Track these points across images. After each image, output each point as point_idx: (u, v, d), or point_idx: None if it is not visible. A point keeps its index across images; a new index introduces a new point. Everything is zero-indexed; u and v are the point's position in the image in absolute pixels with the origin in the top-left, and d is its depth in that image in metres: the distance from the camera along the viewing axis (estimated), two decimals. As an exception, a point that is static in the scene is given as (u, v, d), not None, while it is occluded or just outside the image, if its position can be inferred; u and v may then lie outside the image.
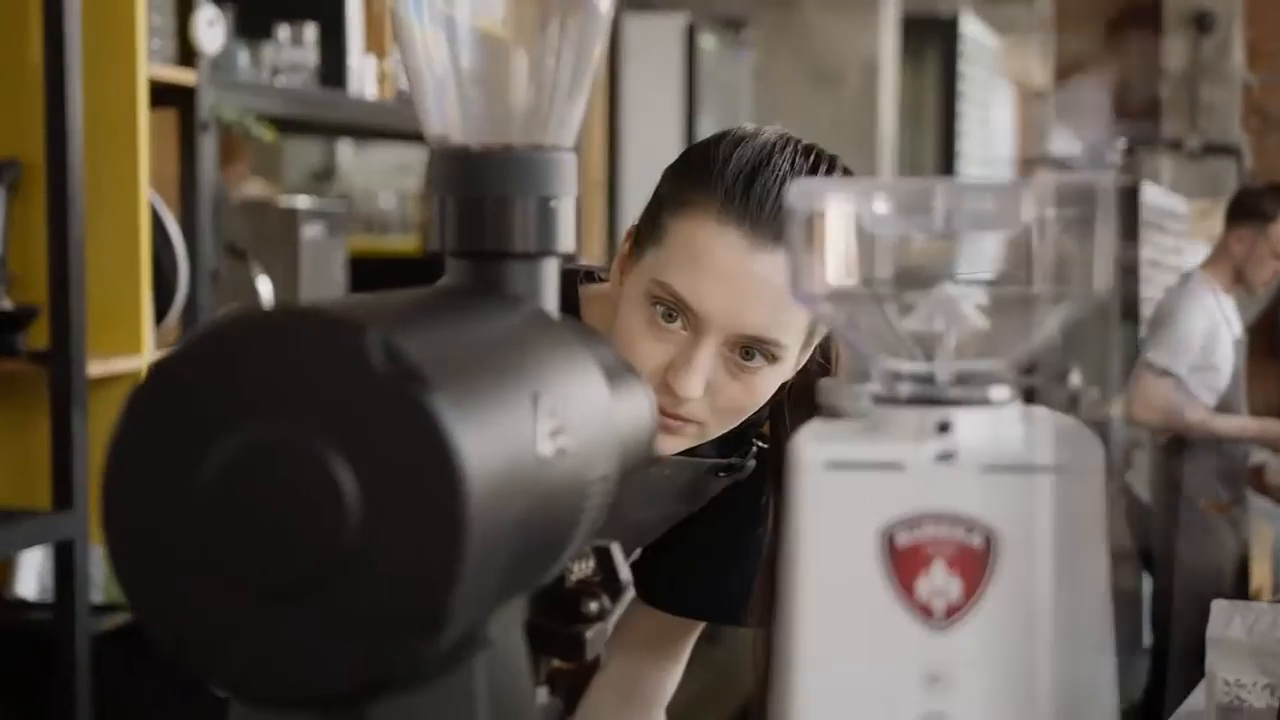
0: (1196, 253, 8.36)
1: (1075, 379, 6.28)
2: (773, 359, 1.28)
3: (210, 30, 2.66)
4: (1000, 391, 0.70)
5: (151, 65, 2.55)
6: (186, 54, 2.67)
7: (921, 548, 0.67)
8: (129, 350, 2.52)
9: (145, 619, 0.62)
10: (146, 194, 2.53)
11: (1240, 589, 4.36)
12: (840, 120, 5.62)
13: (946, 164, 7.50)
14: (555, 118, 0.81)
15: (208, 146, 2.70)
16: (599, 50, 0.82)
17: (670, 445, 1.31)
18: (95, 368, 2.43)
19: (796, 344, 1.30)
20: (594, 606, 0.87)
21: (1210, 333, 4.38)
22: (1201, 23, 8.85)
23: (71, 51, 2.35)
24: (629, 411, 0.83)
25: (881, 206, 0.69)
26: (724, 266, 1.25)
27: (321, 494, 0.60)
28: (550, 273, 0.80)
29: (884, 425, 0.70)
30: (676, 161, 1.34)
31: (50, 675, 2.42)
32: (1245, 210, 4.43)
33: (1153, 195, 7.24)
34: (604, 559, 0.88)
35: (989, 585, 0.67)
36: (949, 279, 0.71)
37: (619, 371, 0.84)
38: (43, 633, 2.48)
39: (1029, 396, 0.71)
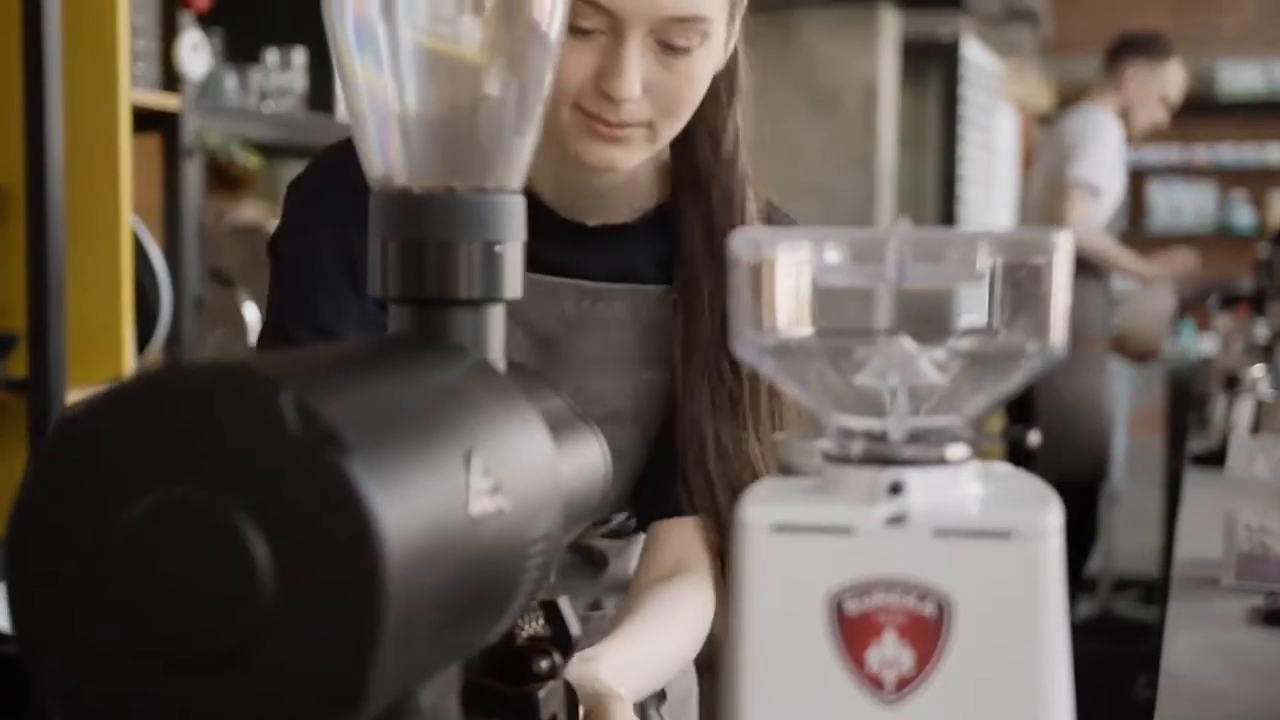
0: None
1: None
2: (702, 37, 1.23)
3: (195, 55, 2.63)
4: (957, 450, 0.67)
5: (135, 91, 2.53)
6: (171, 79, 2.65)
7: (871, 616, 0.64)
8: (110, 378, 2.49)
9: (46, 681, 0.59)
10: (129, 220, 2.50)
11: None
12: (839, 143, 5.59)
13: (947, 187, 7.47)
14: (500, 160, 0.78)
15: (192, 173, 2.67)
16: (545, 88, 0.79)
17: (623, 156, 1.26)
18: (75, 397, 2.40)
19: (721, 15, 1.25)
20: (545, 665, 0.84)
21: (1116, 155, 4.43)
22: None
23: (52, 76, 2.33)
24: (577, 463, 0.80)
25: (832, 256, 0.66)
26: None
27: (232, 560, 0.57)
28: (496, 320, 0.77)
29: (835, 485, 0.67)
30: None
31: (26, 708, 2.39)
32: (1140, 48, 4.49)
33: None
34: (553, 614, 0.85)
35: (942, 656, 0.64)
36: (902, 332, 0.68)
37: (567, 422, 0.81)
38: (17, 664, 2.45)
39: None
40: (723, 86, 1.32)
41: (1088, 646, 4.82)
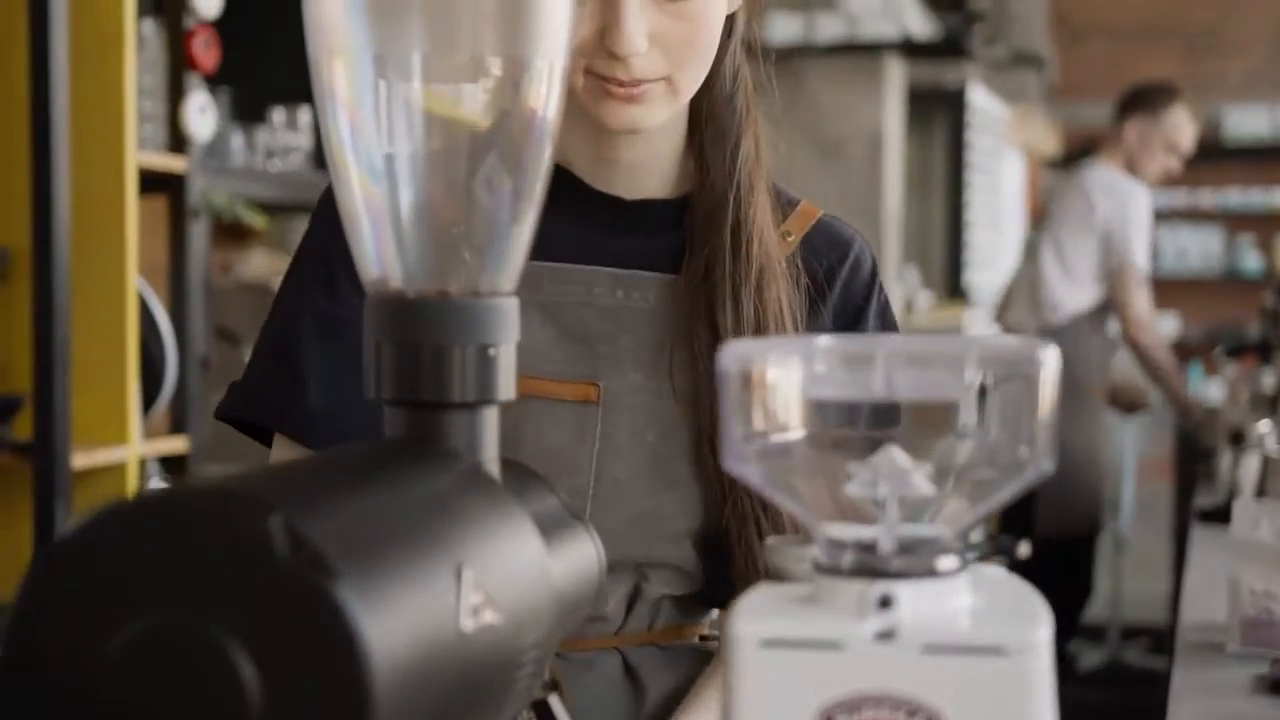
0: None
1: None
2: None
3: (202, 117, 2.65)
4: (947, 561, 0.67)
5: (142, 153, 2.54)
6: (178, 140, 2.66)
7: (861, 732, 0.64)
8: (115, 441, 2.50)
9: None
10: (134, 282, 2.51)
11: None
12: (846, 192, 5.61)
13: (954, 232, 7.48)
14: (494, 263, 0.78)
15: (198, 233, 2.69)
16: (539, 193, 0.80)
17: (645, 115, 1.20)
18: (80, 459, 2.40)
19: None
20: (539, 764, 0.84)
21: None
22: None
23: (59, 138, 2.34)
24: (569, 565, 0.80)
25: (820, 368, 0.67)
26: None
27: (221, 685, 0.57)
28: (490, 422, 0.78)
29: (825, 597, 0.67)
30: None
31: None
32: (1138, 100, 4.53)
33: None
34: (545, 715, 0.85)
35: (932, 772, 0.63)
36: (892, 442, 0.68)
37: (559, 521, 0.81)
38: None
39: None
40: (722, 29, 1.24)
41: (1096, 696, 4.81)
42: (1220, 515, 2.71)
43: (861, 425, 0.69)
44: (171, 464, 2.76)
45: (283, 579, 0.57)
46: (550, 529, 0.77)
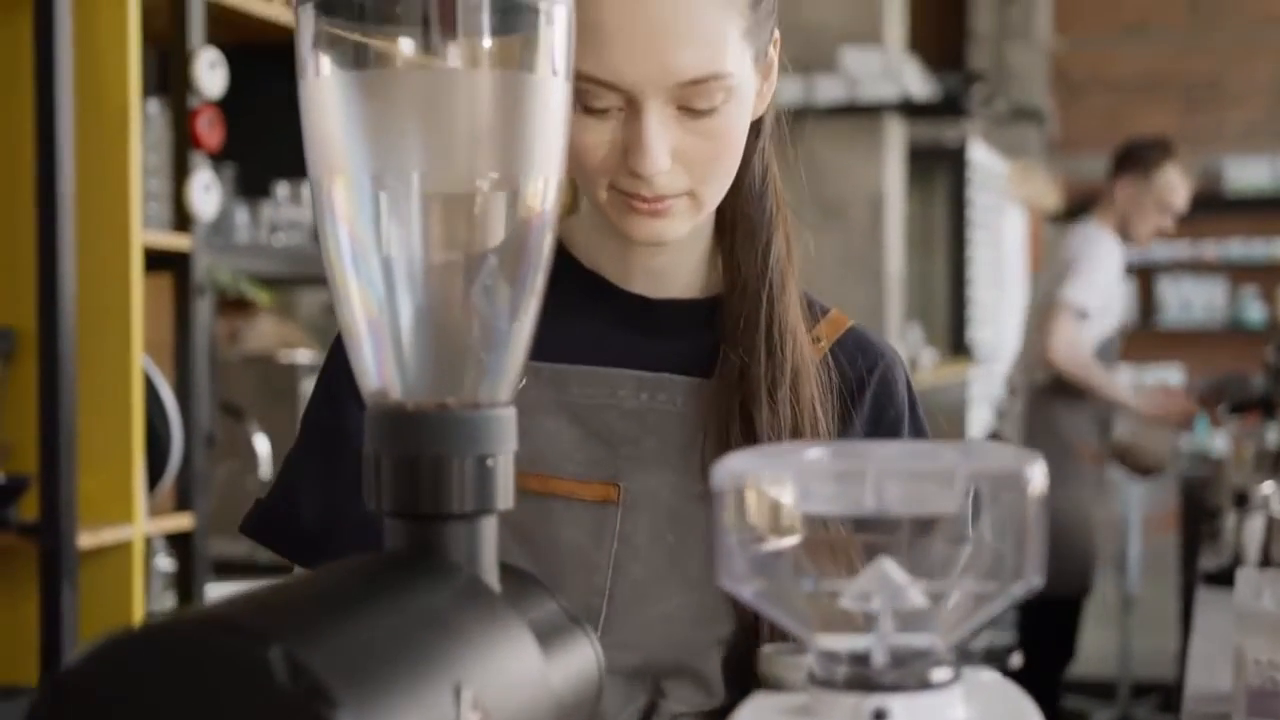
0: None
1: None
2: (726, 93, 1.15)
3: (206, 195, 2.67)
4: (941, 673, 0.68)
5: (147, 232, 2.56)
6: (183, 217, 2.68)
7: (857, 846, 0.64)
8: (121, 520, 2.51)
9: None
10: (140, 361, 2.52)
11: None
12: (848, 254, 5.63)
13: (957, 289, 7.50)
14: (492, 374, 0.80)
15: (203, 310, 2.70)
16: (535, 306, 0.81)
17: (669, 229, 1.19)
18: (86, 539, 2.41)
19: (743, 65, 1.17)
20: None
21: (1114, 278, 4.44)
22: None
23: (65, 217, 2.36)
24: (569, 671, 0.81)
25: (812, 483, 0.68)
26: (622, 23, 1.11)
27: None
28: (488, 531, 0.79)
29: (820, 709, 0.68)
30: None
31: None
32: (1129, 160, 4.53)
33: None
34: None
35: None
36: (886, 555, 0.69)
37: (559, 627, 0.82)
38: None
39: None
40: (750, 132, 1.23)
41: (1108, 754, 4.78)
42: (1225, 578, 2.71)
43: (856, 534, 0.70)
44: (177, 541, 2.76)
45: (284, 709, 0.58)
46: (549, 635, 0.78)
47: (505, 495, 0.79)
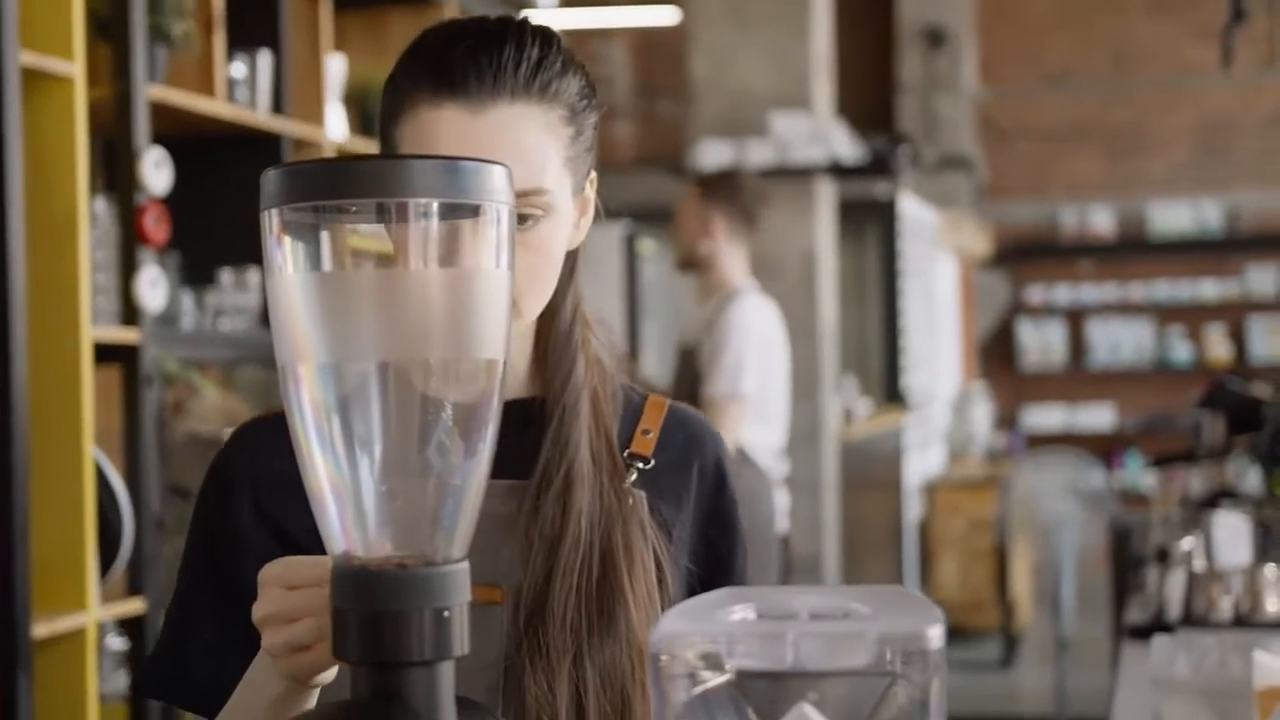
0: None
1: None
2: (546, 209, 1.22)
3: (153, 290, 2.73)
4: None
5: (96, 327, 2.62)
6: (130, 311, 2.75)
7: None
8: (74, 608, 2.56)
9: None
10: (91, 452, 2.58)
11: None
12: (784, 310, 5.72)
13: (890, 339, 7.61)
14: (444, 533, 0.88)
15: (150, 399, 2.77)
16: (484, 471, 0.90)
17: None
18: (40, 629, 2.46)
19: (562, 187, 1.24)
20: None
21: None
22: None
23: (17, 316, 2.42)
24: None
25: (738, 646, 0.76)
26: (451, 143, 1.19)
27: None
28: (446, 676, 0.87)
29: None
30: (384, 84, 1.27)
31: None
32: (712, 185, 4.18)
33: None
34: None
35: None
36: (806, 701, 0.77)
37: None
38: None
39: None
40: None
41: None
42: (1150, 632, 2.80)
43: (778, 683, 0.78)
44: (129, 625, 2.82)
45: None
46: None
47: (461, 642, 0.88)
